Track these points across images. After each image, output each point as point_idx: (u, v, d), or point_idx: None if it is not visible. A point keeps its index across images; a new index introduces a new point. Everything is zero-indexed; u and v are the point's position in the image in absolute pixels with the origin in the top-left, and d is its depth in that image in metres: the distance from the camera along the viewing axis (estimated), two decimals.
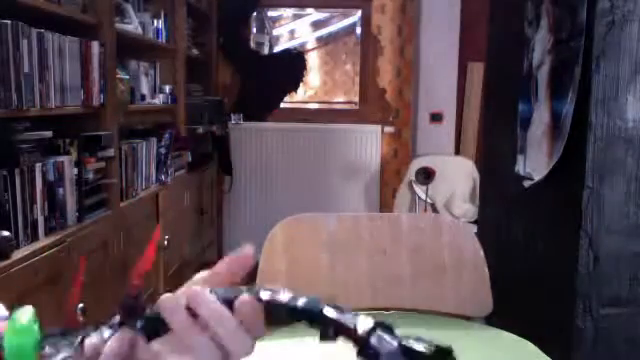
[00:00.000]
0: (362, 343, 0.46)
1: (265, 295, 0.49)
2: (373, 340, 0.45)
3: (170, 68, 3.15)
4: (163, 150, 2.76)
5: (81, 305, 1.78)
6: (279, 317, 0.49)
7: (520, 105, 1.92)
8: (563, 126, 1.57)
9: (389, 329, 0.46)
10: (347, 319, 0.47)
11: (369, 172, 4.18)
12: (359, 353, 0.45)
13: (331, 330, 0.47)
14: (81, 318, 1.77)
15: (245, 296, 0.48)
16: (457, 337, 1.27)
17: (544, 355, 1.15)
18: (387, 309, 1.32)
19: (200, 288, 0.49)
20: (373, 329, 0.46)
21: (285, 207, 4.08)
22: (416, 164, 3.83)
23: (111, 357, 0.46)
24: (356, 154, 4.16)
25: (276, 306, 0.49)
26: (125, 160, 2.33)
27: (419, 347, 0.44)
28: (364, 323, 0.46)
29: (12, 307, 0.51)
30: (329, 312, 0.48)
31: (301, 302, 0.49)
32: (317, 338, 0.48)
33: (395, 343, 0.45)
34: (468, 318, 1.35)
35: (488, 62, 2.53)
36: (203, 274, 0.52)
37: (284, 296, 0.49)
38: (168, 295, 0.49)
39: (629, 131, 1.46)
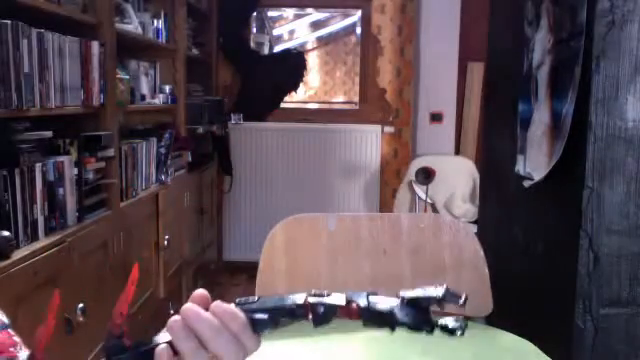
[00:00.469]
0: (365, 311, 0.46)
1: (242, 307, 0.50)
2: (374, 304, 0.46)
3: (170, 68, 3.15)
4: (163, 150, 2.76)
5: (81, 305, 1.78)
6: (263, 323, 0.49)
7: (520, 105, 1.92)
8: (563, 126, 1.57)
9: (376, 294, 0.47)
10: (336, 299, 0.47)
11: (369, 172, 4.18)
12: (368, 321, 0.46)
13: (323, 313, 0.47)
14: (81, 318, 1.77)
15: (223, 305, 0.49)
16: (457, 337, 1.27)
17: (544, 355, 1.15)
18: None
19: (195, 306, 0.50)
20: (367, 297, 0.46)
21: (285, 207, 4.08)
22: (416, 164, 3.83)
23: None
24: (356, 154, 4.16)
25: (257, 311, 0.49)
26: (125, 160, 2.33)
27: (420, 294, 0.46)
28: (358, 295, 0.47)
29: None
30: (315, 299, 0.48)
31: (282, 301, 0.49)
32: (309, 335, 0.48)
33: (395, 298, 0.46)
34: (468, 318, 1.35)
35: (488, 62, 2.53)
36: None
37: (263, 301, 0.49)
38: (176, 318, 0.50)
39: (629, 131, 1.46)
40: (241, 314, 0.49)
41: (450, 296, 0.46)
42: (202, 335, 0.48)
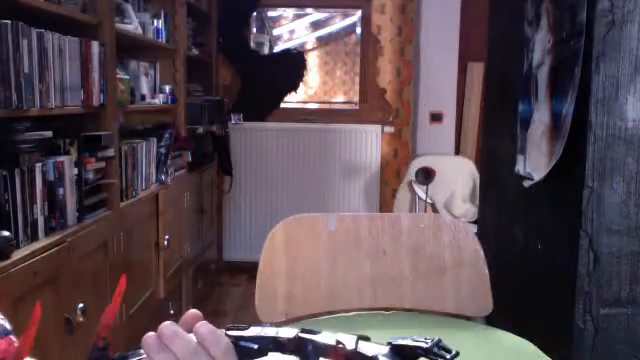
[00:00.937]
0: (353, 356, 0.45)
1: (233, 332, 0.49)
2: (362, 349, 0.46)
3: (170, 68, 3.15)
4: (163, 150, 2.76)
5: (81, 305, 1.78)
6: (250, 351, 0.48)
7: (520, 105, 1.92)
8: (563, 126, 1.57)
9: (368, 339, 0.46)
10: (326, 338, 0.47)
11: (369, 172, 4.18)
12: None
13: (310, 351, 0.47)
14: (81, 318, 1.77)
15: (207, 327, 0.49)
16: (457, 337, 1.27)
17: (544, 355, 1.15)
18: (387, 309, 1.32)
19: (173, 324, 0.49)
20: (357, 341, 0.46)
21: (285, 207, 4.08)
22: (416, 164, 3.83)
23: None
24: (356, 154, 4.17)
25: (245, 339, 0.49)
26: (125, 160, 2.33)
27: (409, 342, 0.45)
28: (348, 338, 0.46)
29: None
30: (306, 335, 0.47)
31: (272, 332, 0.48)
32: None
33: (384, 345, 0.45)
34: (468, 318, 1.35)
35: (488, 62, 2.53)
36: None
37: (254, 330, 0.49)
38: (151, 334, 0.49)
39: (629, 131, 1.46)
40: (225, 339, 0.48)
41: (439, 349, 0.45)
42: (177, 353, 0.48)
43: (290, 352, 0.47)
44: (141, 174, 2.53)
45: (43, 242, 1.66)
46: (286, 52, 4.54)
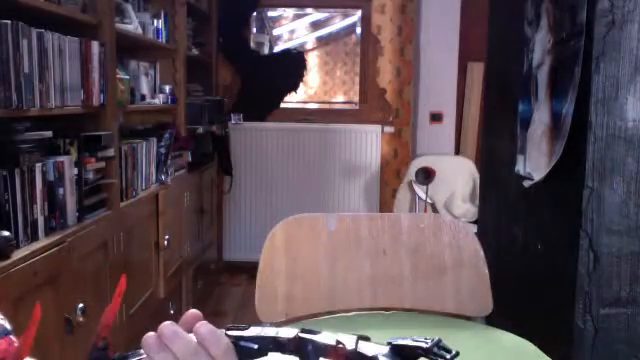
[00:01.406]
0: (353, 355, 0.45)
1: (233, 332, 0.49)
2: (362, 349, 0.45)
3: (170, 68, 3.15)
4: (163, 150, 2.76)
5: (81, 305, 1.78)
6: (250, 351, 0.48)
7: (520, 105, 1.92)
8: (563, 126, 1.57)
9: (368, 339, 0.46)
10: (326, 338, 0.47)
11: (369, 172, 4.18)
12: None
13: (310, 351, 0.47)
14: (81, 318, 1.77)
15: (207, 327, 0.49)
16: (457, 337, 1.27)
17: (544, 355, 1.15)
18: (387, 309, 1.32)
19: (173, 324, 0.49)
20: (357, 341, 0.46)
21: (285, 207, 4.08)
22: (416, 164, 3.83)
23: None
24: (356, 154, 4.17)
25: (245, 339, 0.49)
26: (125, 160, 2.33)
27: (409, 342, 0.45)
28: (348, 338, 0.46)
29: None
30: (306, 335, 0.47)
31: (272, 332, 0.48)
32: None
33: (384, 345, 0.45)
34: (468, 318, 1.35)
35: (488, 62, 2.53)
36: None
37: (254, 330, 0.49)
38: (151, 334, 0.49)
39: (629, 131, 1.45)
40: (225, 339, 0.48)
41: (439, 349, 0.45)
42: (177, 353, 0.48)
43: (290, 352, 0.47)
44: (141, 174, 2.52)
45: (43, 242, 1.66)
46: (286, 52, 4.54)
